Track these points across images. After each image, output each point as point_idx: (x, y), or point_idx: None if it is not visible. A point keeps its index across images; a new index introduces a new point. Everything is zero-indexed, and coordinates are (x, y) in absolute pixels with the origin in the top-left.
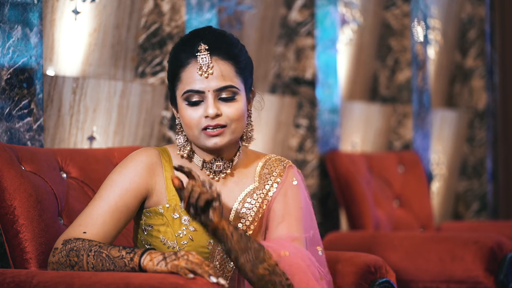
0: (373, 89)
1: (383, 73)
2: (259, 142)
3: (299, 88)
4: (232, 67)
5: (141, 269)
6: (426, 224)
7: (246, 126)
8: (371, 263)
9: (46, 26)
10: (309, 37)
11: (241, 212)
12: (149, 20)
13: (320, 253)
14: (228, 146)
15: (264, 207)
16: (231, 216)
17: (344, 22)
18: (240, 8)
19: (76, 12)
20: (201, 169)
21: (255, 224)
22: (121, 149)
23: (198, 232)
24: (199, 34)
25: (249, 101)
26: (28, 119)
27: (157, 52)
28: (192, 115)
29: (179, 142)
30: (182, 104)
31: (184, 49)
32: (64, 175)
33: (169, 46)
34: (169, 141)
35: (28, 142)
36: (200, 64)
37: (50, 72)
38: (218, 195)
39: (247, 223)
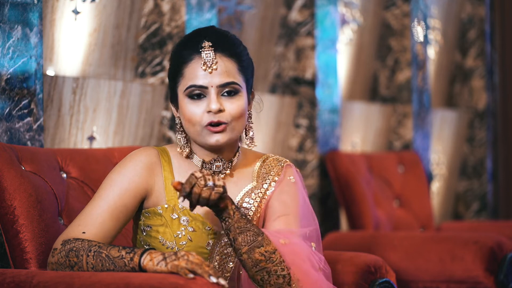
0: (373, 89)
1: (383, 73)
2: (259, 142)
3: (299, 88)
4: (235, 64)
5: (141, 269)
6: (426, 224)
7: (245, 127)
8: (371, 263)
9: (46, 26)
10: (309, 37)
11: None
12: (149, 20)
13: (313, 248)
14: (228, 146)
15: (262, 206)
16: None
17: (344, 22)
18: (240, 8)
19: (76, 12)
20: (201, 170)
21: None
22: (121, 149)
23: (197, 232)
24: (202, 33)
25: (249, 102)
26: (28, 119)
27: (157, 52)
28: (194, 111)
29: (180, 142)
30: (184, 100)
31: (187, 46)
32: (64, 175)
33: (169, 46)
34: (169, 141)
35: (28, 142)
36: (204, 59)
37: (50, 72)
38: (223, 187)
39: None
